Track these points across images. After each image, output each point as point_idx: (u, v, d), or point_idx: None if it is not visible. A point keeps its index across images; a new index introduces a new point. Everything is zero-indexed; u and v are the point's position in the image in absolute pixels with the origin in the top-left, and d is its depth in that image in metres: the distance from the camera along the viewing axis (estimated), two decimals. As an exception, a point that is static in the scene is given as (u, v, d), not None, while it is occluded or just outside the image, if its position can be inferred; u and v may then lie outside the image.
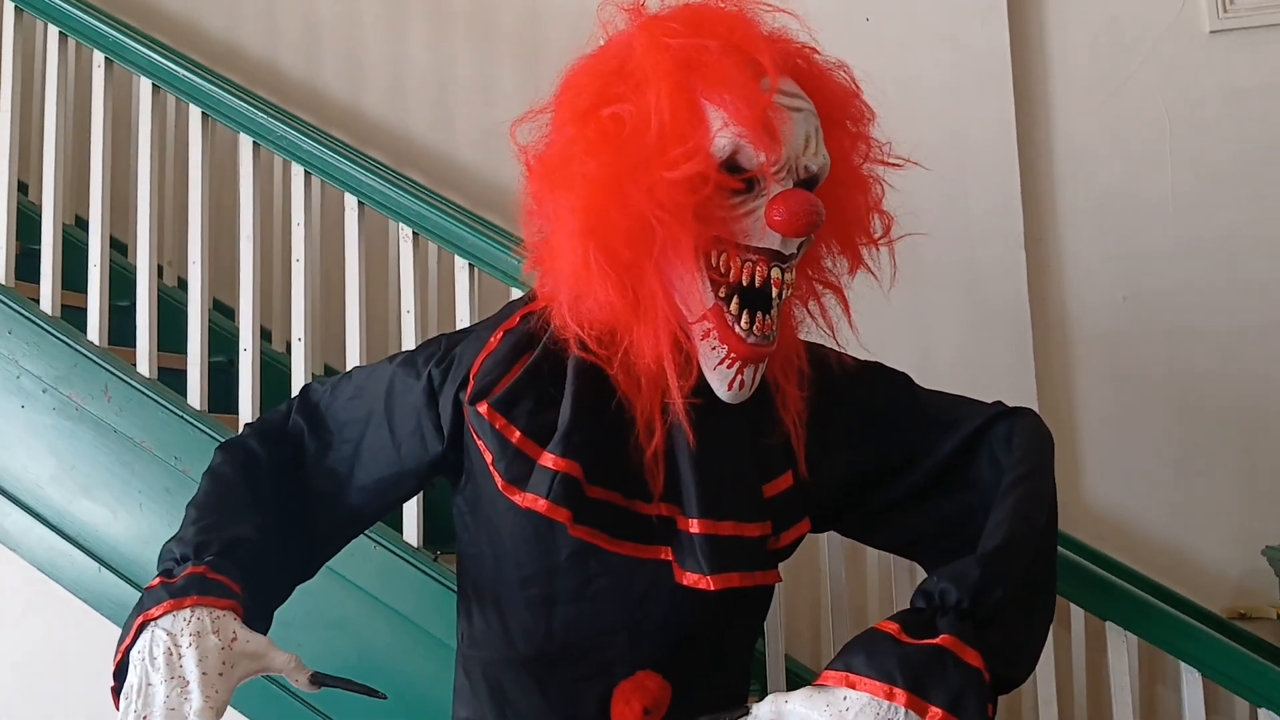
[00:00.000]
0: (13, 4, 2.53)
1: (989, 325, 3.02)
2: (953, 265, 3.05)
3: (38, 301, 2.44)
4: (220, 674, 1.26)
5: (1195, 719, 1.88)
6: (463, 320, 2.15)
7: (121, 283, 2.57)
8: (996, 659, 1.22)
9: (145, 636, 1.28)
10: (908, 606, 1.28)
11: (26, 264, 2.58)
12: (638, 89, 1.34)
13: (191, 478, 2.19)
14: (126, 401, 2.30)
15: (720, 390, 1.37)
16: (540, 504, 1.35)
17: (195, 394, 2.30)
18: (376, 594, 2.11)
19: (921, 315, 3.00)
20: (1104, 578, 1.97)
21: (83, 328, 2.40)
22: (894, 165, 1.52)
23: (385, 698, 1.38)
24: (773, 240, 1.33)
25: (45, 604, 2.35)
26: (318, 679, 1.32)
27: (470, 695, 1.51)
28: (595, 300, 1.34)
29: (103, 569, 2.28)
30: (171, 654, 1.26)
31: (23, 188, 2.76)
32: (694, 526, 1.37)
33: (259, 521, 1.43)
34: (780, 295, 1.37)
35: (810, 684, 1.23)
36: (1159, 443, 3.00)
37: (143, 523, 2.27)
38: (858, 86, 1.48)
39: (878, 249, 1.52)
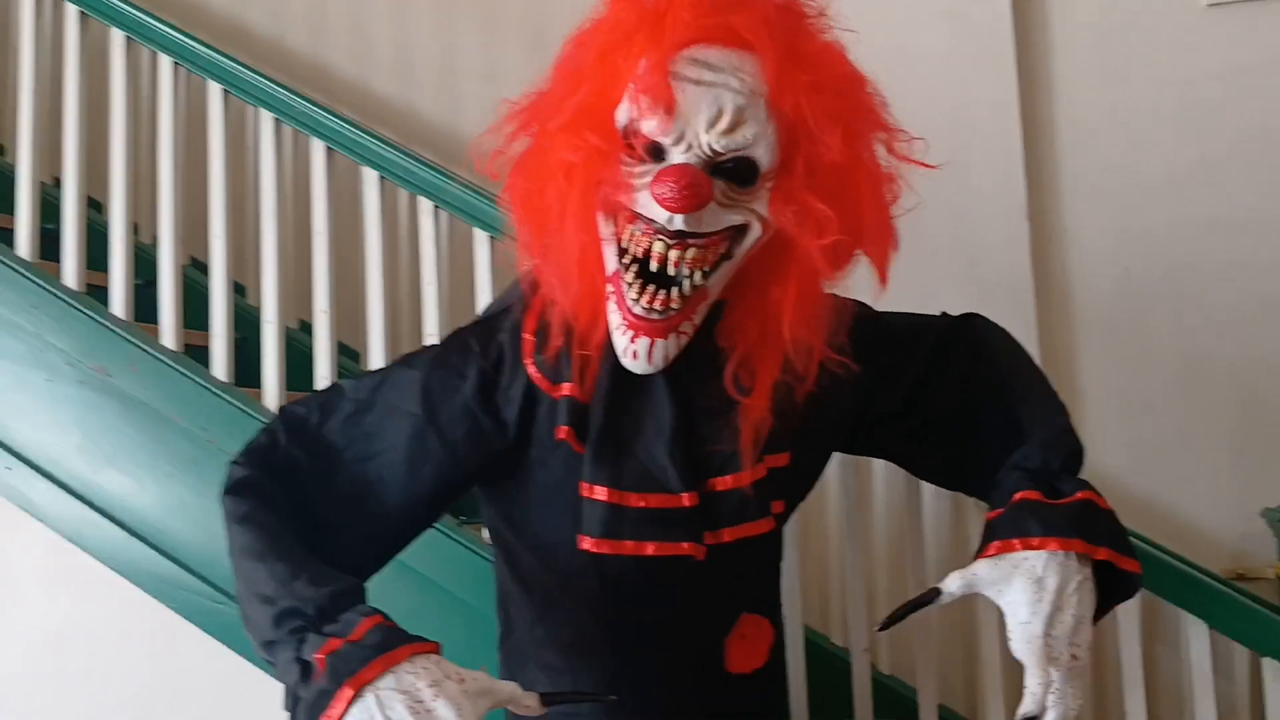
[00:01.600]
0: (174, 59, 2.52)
1: (992, 299, 3.05)
2: (955, 239, 3.10)
3: (59, 277, 2.48)
4: (474, 713, 1.20)
5: (1201, 671, 1.94)
6: (483, 291, 2.20)
7: (140, 265, 2.61)
8: None
9: (366, 703, 1.18)
10: (1005, 484, 1.41)
11: (47, 245, 2.62)
12: (581, 52, 1.39)
13: (219, 449, 2.24)
14: (153, 374, 2.35)
15: (620, 355, 1.37)
16: (561, 431, 1.39)
17: (220, 366, 2.35)
18: (404, 559, 2.14)
19: (924, 289, 3.01)
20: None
21: (106, 304, 2.44)
22: (903, 159, 1.45)
23: (615, 699, 1.39)
24: (655, 212, 1.31)
25: (72, 574, 2.41)
26: (547, 699, 1.28)
27: (561, 669, 1.48)
28: (525, 245, 1.41)
29: (131, 537, 2.33)
30: (416, 710, 1.17)
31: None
32: (582, 489, 1.39)
33: (330, 561, 1.35)
34: (676, 277, 1.34)
35: (979, 558, 1.36)
36: (1160, 412, 3.07)
37: (170, 492, 2.32)
38: (852, 69, 1.42)
39: (894, 243, 1.45)
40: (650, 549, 1.39)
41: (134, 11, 2.48)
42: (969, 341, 1.61)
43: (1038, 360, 2.96)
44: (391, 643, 1.21)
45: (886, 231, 1.44)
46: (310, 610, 1.24)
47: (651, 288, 1.34)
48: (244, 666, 2.22)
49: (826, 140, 1.34)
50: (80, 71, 2.55)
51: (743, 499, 1.42)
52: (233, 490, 1.39)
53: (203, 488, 2.25)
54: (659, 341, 1.36)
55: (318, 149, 2.34)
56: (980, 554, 1.37)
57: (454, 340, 1.51)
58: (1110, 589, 1.38)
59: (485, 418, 1.43)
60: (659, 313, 1.34)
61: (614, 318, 1.37)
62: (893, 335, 1.59)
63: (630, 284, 1.35)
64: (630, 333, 1.36)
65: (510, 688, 1.25)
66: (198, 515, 2.26)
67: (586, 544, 1.38)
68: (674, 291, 1.34)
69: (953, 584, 1.35)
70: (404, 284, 2.91)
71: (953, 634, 2.65)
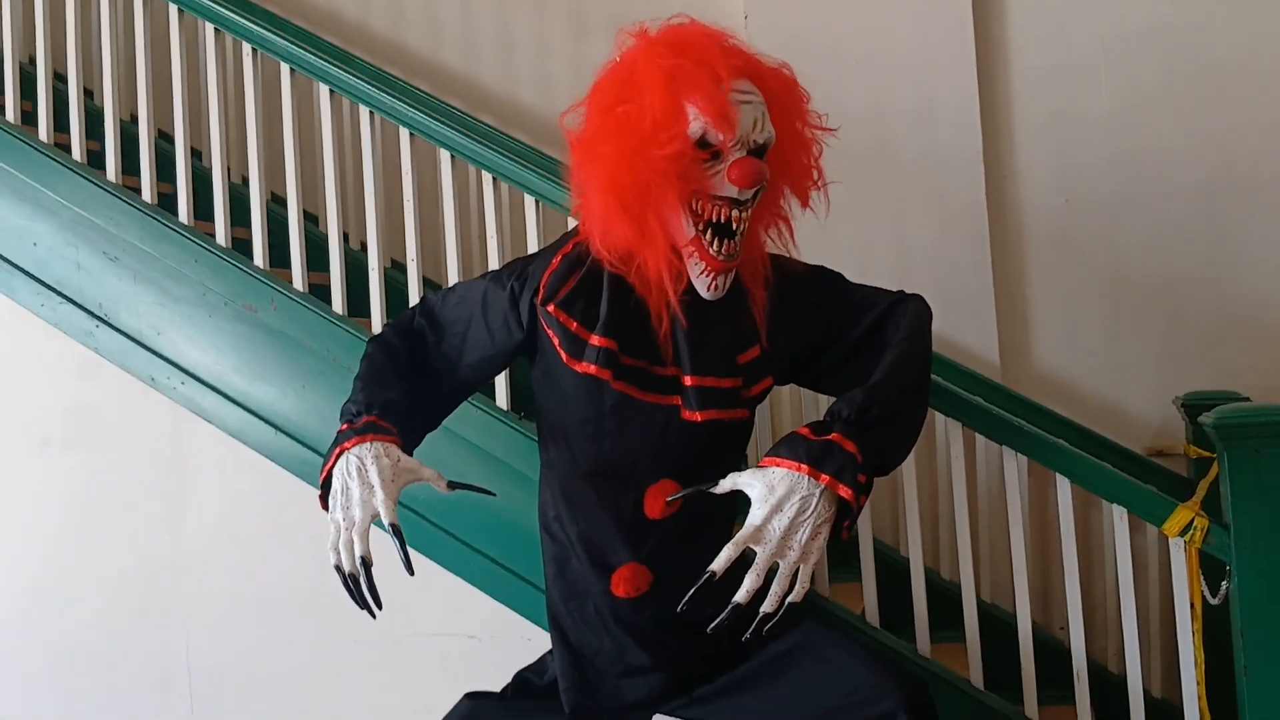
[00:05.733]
0: (291, 66, 3.14)
1: (954, 226, 3.70)
2: (925, 178, 3.72)
3: (214, 236, 3.21)
4: (392, 480, 1.96)
5: (1065, 512, 2.58)
6: (531, 245, 2.87)
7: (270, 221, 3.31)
8: (871, 452, 1.92)
9: (343, 460, 1.97)
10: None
11: (199, 207, 3.32)
12: (639, 94, 2.00)
13: (341, 365, 2.95)
14: (288, 310, 3.05)
15: (703, 291, 2.06)
16: (591, 369, 2.06)
17: (338, 302, 3.07)
18: (479, 444, 2.83)
19: (898, 221, 3.70)
20: (999, 413, 2.67)
21: (250, 256, 3.16)
22: (828, 130, 2.16)
23: (495, 494, 2.13)
24: (731, 191, 1.99)
25: (237, 462, 3.13)
26: (452, 485, 2.02)
27: (552, 500, 2.18)
28: (615, 234, 2.04)
29: (278, 433, 3.07)
30: (361, 469, 1.95)
31: (196, 154, 3.54)
32: (688, 381, 2.07)
33: (402, 389, 2.12)
34: (739, 228, 2.02)
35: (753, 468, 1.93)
36: (1094, 317, 3.70)
37: (305, 399, 3.05)
38: (795, 80, 2.13)
39: (820, 189, 2.18)
40: (726, 415, 2.08)
41: (259, 29, 3.17)
42: (898, 318, 2.18)
43: (990, 276, 3.65)
44: (366, 430, 1.99)
45: (813, 173, 2.16)
46: (353, 409, 2.06)
47: (725, 240, 2.02)
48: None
49: (800, 121, 2.10)
50: (219, 83, 3.25)
51: (761, 361, 2.12)
52: (371, 340, 2.23)
53: (331, 395, 2.96)
54: (728, 274, 2.06)
55: (404, 135, 3.02)
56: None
57: (507, 266, 2.25)
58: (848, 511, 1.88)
59: (511, 318, 2.15)
60: (731, 255, 2.03)
61: (697, 267, 2.04)
62: (849, 299, 2.22)
63: (710, 241, 2.02)
64: (712, 272, 2.03)
65: (432, 472, 2.00)
66: (328, 415, 2.87)
67: (686, 415, 2.06)
68: (736, 239, 2.03)
69: (725, 482, 1.94)
70: (473, 233, 3.63)
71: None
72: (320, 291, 3.15)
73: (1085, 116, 3.71)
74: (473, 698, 2.21)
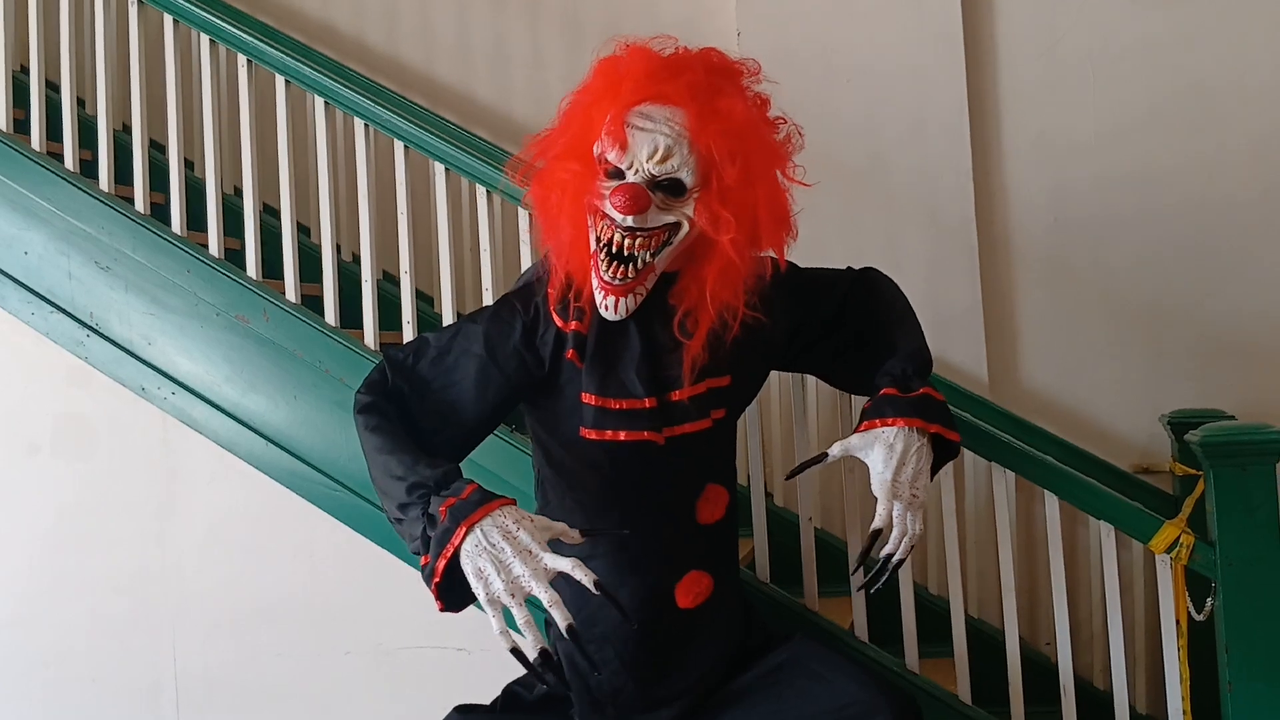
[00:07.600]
0: (286, 78, 3.12)
1: (944, 243, 3.73)
2: (917, 195, 3.75)
3: (207, 246, 3.21)
4: (543, 541, 1.80)
5: (1053, 528, 2.60)
6: (525, 258, 2.89)
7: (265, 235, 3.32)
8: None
9: (476, 535, 1.77)
10: (877, 384, 2.09)
11: (191, 218, 3.32)
12: (574, 103, 2.07)
13: (333, 377, 2.97)
14: (281, 321, 3.04)
15: (599, 309, 2.02)
16: (569, 353, 2.06)
17: (331, 314, 3.07)
18: (473, 457, 2.82)
19: (891, 235, 3.72)
20: (989, 430, 2.70)
21: (242, 266, 3.17)
22: (799, 183, 2.08)
23: (629, 532, 2.03)
24: (613, 214, 1.95)
25: (227, 472, 3.12)
26: (585, 533, 1.89)
27: (583, 525, 1.99)
28: (540, 229, 2.09)
29: (270, 444, 3.05)
30: (509, 537, 1.77)
31: (190, 164, 3.54)
32: (582, 397, 2.07)
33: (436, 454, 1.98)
34: (633, 255, 1.95)
35: (854, 433, 2.03)
36: (1082, 336, 3.74)
37: (298, 410, 3.04)
38: (763, 124, 2.05)
39: (791, 235, 2.10)
40: (623, 435, 2.06)
41: (256, 42, 3.18)
42: (866, 289, 2.27)
43: (980, 294, 3.68)
44: (487, 499, 1.82)
45: (781, 227, 2.07)
46: (431, 483, 1.87)
47: (616, 264, 1.98)
48: (352, 535, 2.98)
49: (728, 169, 1.97)
50: (214, 92, 3.26)
51: (687, 406, 2.08)
52: (362, 410, 2.04)
53: (322, 406, 2.99)
54: (622, 299, 2.00)
55: (399, 148, 3.03)
56: (855, 430, 2.05)
57: (504, 303, 2.17)
58: (945, 453, 2.07)
59: (529, 355, 2.09)
60: (620, 280, 1.98)
61: (595, 282, 2.01)
62: (811, 285, 2.25)
63: (602, 260, 1.98)
64: (603, 292, 2.00)
65: (561, 526, 1.87)
66: (319, 426, 3.00)
67: (583, 433, 2.07)
68: (630, 266, 1.98)
69: (835, 450, 2.04)
70: (465, 245, 3.64)
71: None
72: (313, 303, 3.15)
73: (1074, 136, 3.75)
74: (462, 711, 2.21)
